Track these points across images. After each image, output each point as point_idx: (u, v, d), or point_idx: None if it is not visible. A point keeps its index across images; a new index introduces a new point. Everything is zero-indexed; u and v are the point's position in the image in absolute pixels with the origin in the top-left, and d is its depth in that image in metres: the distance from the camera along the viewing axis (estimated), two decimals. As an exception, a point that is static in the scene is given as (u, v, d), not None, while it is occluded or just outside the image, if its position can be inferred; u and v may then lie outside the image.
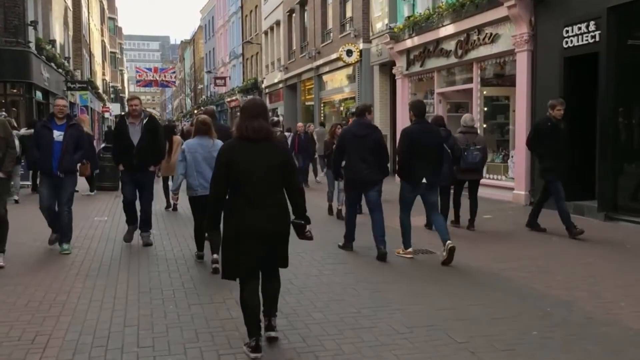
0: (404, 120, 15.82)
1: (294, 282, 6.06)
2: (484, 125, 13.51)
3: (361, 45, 19.90)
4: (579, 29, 9.93)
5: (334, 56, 22.37)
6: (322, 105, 25.41)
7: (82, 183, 13.79)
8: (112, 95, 65.79)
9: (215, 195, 4.13)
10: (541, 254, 7.48)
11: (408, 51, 16.31)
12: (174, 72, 63.85)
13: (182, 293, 5.72)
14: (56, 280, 6.20)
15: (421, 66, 15.70)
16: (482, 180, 12.92)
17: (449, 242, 6.82)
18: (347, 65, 20.70)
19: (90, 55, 42.52)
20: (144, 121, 7.72)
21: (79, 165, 8.24)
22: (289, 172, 4.15)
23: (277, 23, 32.28)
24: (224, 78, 47.09)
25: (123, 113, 6.69)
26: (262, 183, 4.03)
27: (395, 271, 6.68)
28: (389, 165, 7.71)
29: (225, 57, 49.27)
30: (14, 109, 19.31)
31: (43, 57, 20.93)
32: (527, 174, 11.52)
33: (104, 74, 57.00)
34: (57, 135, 7.19)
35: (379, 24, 18.53)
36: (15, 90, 19.51)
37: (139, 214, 8.13)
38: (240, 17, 42.15)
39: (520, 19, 11.35)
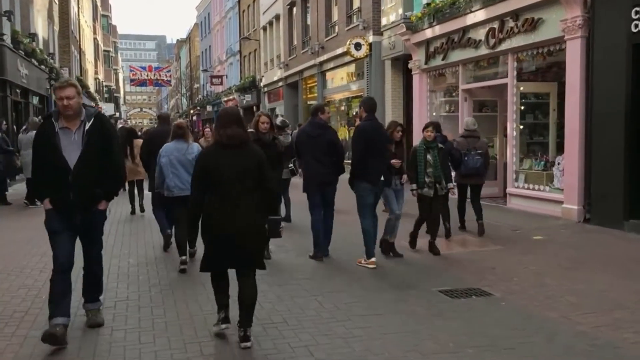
0: (420, 120, 14.02)
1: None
2: (520, 127, 11.64)
3: (371, 38, 18.03)
4: (655, 8, 8.08)
5: (339, 51, 20.50)
6: (325, 104, 23.49)
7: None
8: (105, 95, 63.80)
9: (194, 199, 4.49)
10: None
11: (427, 42, 14.43)
12: (169, 71, 61.94)
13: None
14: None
15: (443, 59, 13.81)
16: (520, 192, 11.27)
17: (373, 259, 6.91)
18: (355, 60, 18.83)
19: (81, 52, 40.56)
20: (87, 125, 4.55)
21: None
22: (262, 176, 4.42)
23: (277, 17, 30.39)
24: (221, 77, 45.16)
25: (52, 112, 4.58)
26: (237, 186, 4.31)
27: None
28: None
29: (222, 55, 47.35)
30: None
31: (21, 51, 18.99)
32: (580, 184, 9.65)
33: (96, 73, 55.01)
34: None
35: (392, 14, 16.65)
36: (-13, 88, 17.59)
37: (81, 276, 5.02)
38: (238, 13, 40.23)
39: (571, 0, 9.49)
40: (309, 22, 25.40)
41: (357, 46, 18.01)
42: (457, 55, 13.28)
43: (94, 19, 55.62)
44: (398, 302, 5.67)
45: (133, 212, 11.31)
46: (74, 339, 4.64)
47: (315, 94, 24.75)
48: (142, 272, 6.87)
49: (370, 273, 6.80)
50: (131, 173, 10.45)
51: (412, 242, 7.83)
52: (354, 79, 20.43)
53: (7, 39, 17.21)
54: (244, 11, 38.80)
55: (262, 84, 34.22)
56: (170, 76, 59.99)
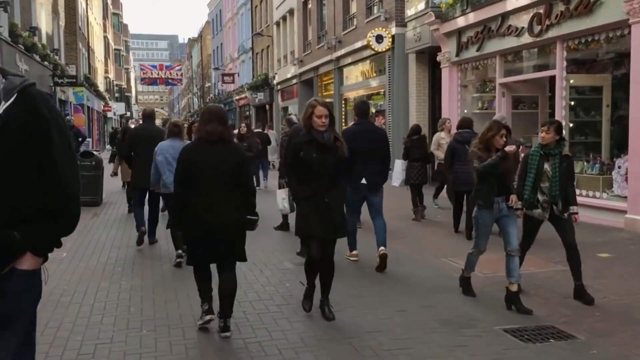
0: (450, 118, 12.65)
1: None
2: (570, 125, 10.27)
3: (393, 30, 16.69)
4: None
5: (358, 44, 19.19)
6: (342, 101, 22.22)
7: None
8: (116, 95, 62.91)
9: (177, 193, 4.64)
10: None
11: (459, 32, 13.08)
12: (180, 70, 61.01)
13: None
14: None
15: (478, 50, 12.45)
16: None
17: (382, 248, 6.65)
18: (376, 54, 17.49)
19: (89, 50, 39.55)
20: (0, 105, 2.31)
21: None
22: (242, 172, 4.55)
23: (291, 12, 29.10)
24: (232, 75, 43.97)
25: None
26: (216, 180, 4.43)
27: None
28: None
29: (233, 53, 46.18)
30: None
31: (20, 45, 17.84)
32: (648, 191, 8.29)
33: (107, 72, 54.10)
34: None
35: (420, 3, 15.28)
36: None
37: None
38: (250, 9, 39.01)
39: (639, -24, 8.13)
40: (325, 15, 24.08)
41: (379, 39, 16.69)
42: (494, 46, 11.91)
43: (104, 17, 54.69)
44: (455, 348, 4.37)
45: (130, 211, 10.44)
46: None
47: (332, 91, 23.44)
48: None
49: (418, 306, 5.48)
50: (127, 174, 10.01)
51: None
52: (374, 74, 19.11)
53: (4, 32, 16.05)
54: (256, 7, 37.58)
55: (275, 82, 32.97)
56: (181, 74, 59.08)
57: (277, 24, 32.03)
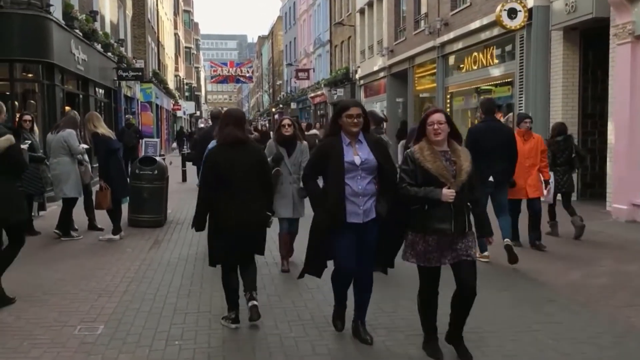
0: (632, 113, 9.04)
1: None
2: None
3: (530, 2, 13.03)
4: None
5: (474, 25, 15.63)
6: (448, 96, 18.63)
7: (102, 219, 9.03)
8: (186, 94, 61.34)
9: (202, 196, 4.76)
10: None
11: (652, -7, 9.34)
12: (251, 67, 58.85)
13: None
14: None
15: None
16: None
17: (507, 240, 6.71)
18: (506, 32, 13.86)
19: (159, 45, 37.52)
20: None
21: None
22: (262, 170, 4.76)
23: (379, -4, 25.75)
24: (307, 70, 41.02)
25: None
26: (240, 181, 4.59)
27: None
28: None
29: (308, 47, 43.23)
30: (32, 101, 13.76)
31: (76, 30, 15.27)
32: None
33: (177, 70, 52.35)
34: None
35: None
36: (29, 75, 13.90)
37: None
38: (328, -2, 35.90)
39: None
40: (424, -6, 20.57)
41: (511, 13, 13.06)
42: None
43: (175, 13, 53.05)
44: None
45: None
46: None
47: (433, 84, 19.89)
48: None
49: None
50: None
51: None
52: (495, 61, 15.43)
53: (56, 12, 13.45)
54: (335, -5, 34.44)
55: (357, 76, 29.68)
56: (252, 72, 56.87)
57: (361, 11, 28.72)
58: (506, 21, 13.09)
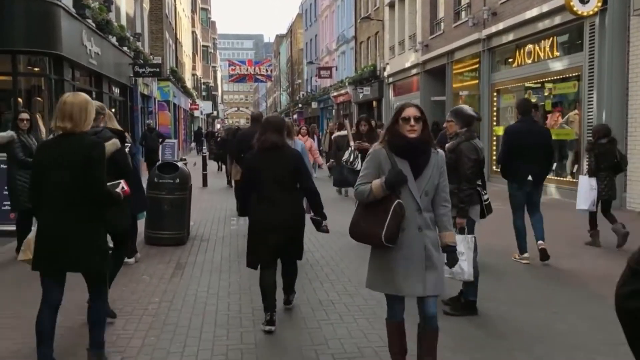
0: None
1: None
2: None
3: (606, -16, 11.33)
4: None
5: (530, 14, 13.95)
6: (494, 93, 16.92)
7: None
8: (203, 93, 60.07)
9: (241, 191, 5.34)
10: None
11: None
12: (270, 65, 57.33)
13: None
14: None
15: None
16: None
17: (540, 242, 6.84)
18: (569, 22, 12.17)
19: (177, 42, 36.15)
20: None
21: None
22: (301, 176, 4.84)
23: (411, -12, 24.10)
24: (330, 68, 39.43)
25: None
26: (276, 185, 4.69)
27: None
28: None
29: (330, 44, 41.64)
30: (38, 98, 12.34)
31: (88, 20, 13.80)
32: None
33: (194, 69, 51.10)
34: None
35: None
36: (35, 69, 12.41)
37: None
38: (353, -8, 34.29)
39: None
40: (467, -17, 18.88)
41: (583, -2, 11.36)
42: None
43: (193, 11, 51.78)
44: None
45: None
46: None
47: (473, 81, 18.21)
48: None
49: None
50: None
51: None
52: (557, 53, 13.71)
53: (68, 1, 11.97)
54: (361, -11, 32.81)
55: (385, 74, 28.03)
56: (270, 70, 55.36)
57: (391, 4, 27.10)
58: (577, 6, 11.39)
